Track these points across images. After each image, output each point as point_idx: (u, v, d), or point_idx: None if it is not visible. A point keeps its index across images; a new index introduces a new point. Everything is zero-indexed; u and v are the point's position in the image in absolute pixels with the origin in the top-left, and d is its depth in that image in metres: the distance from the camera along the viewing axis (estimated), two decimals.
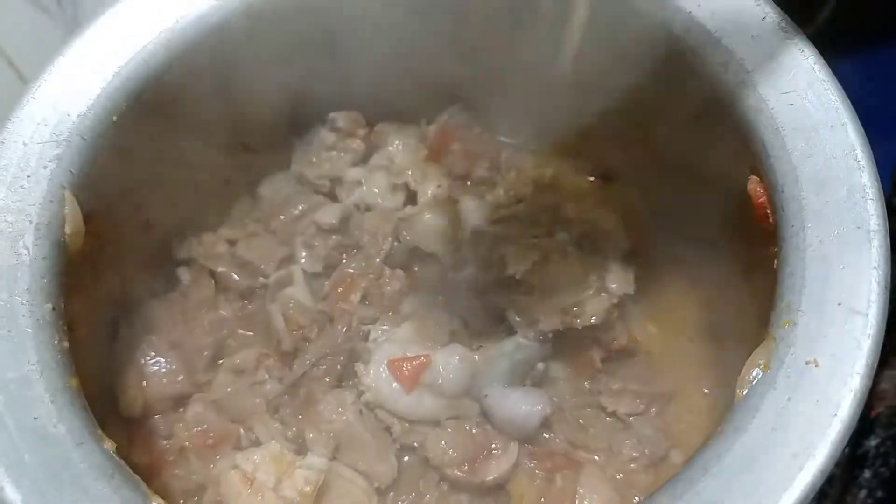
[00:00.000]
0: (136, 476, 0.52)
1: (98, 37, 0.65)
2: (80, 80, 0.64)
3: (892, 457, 0.90)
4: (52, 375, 0.53)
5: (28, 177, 0.59)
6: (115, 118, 0.64)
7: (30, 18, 1.18)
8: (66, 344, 0.56)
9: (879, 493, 0.91)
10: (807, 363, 0.52)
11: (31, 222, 0.58)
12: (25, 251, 0.57)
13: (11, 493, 0.48)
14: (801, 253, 0.56)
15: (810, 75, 0.61)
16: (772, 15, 0.64)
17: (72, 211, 0.60)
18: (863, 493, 0.90)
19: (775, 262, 0.59)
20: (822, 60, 0.61)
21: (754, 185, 0.63)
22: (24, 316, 0.55)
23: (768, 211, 0.61)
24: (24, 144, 0.60)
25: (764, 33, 0.64)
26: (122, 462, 0.52)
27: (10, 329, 0.54)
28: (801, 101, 0.60)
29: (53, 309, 0.56)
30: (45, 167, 0.60)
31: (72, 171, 0.61)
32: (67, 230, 0.60)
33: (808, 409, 0.50)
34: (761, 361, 0.53)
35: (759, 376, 0.53)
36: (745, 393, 0.53)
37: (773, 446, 0.50)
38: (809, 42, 0.62)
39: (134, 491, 0.50)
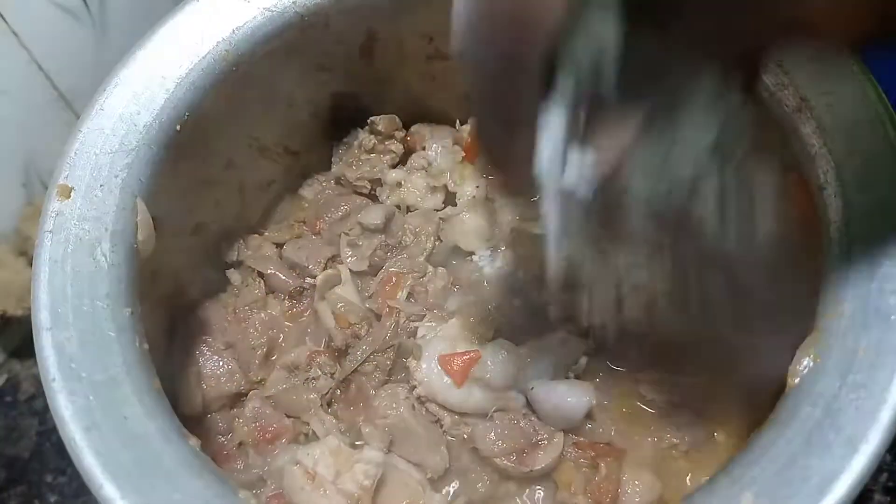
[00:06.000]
0: (223, 471, 0.54)
1: (159, 48, 0.68)
2: (145, 91, 0.66)
3: None
4: (136, 377, 0.56)
5: (101, 186, 0.62)
6: (178, 127, 0.67)
7: (58, 23, 1.19)
8: (146, 346, 0.58)
9: None
10: (855, 352, 0.55)
11: (106, 230, 0.60)
12: (103, 258, 0.59)
13: (110, 490, 0.50)
14: (846, 249, 0.59)
15: (849, 74, 0.64)
16: None
17: (143, 218, 0.62)
18: (884, 476, 0.93)
19: (818, 256, 0.61)
20: (861, 60, 0.63)
21: (794, 184, 0.66)
22: (106, 320, 0.57)
23: (809, 208, 0.64)
24: (96, 155, 0.63)
25: None
26: (209, 459, 0.54)
27: (94, 333, 0.56)
28: (841, 100, 0.63)
29: (132, 313, 0.59)
30: (116, 176, 0.62)
31: (141, 179, 0.63)
32: (140, 237, 0.62)
33: (859, 397, 0.53)
34: (812, 351, 0.56)
35: (811, 365, 0.56)
36: (796, 381, 0.56)
37: (828, 432, 0.52)
38: None
39: (223, 486, 0.53)
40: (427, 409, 0.76)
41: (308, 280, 0.83)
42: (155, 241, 0.66)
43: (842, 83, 0.63)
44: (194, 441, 0.55)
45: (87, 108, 0.64)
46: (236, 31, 0.69)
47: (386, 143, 0.89)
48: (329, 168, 0.91)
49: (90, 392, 0.54)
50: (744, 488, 0.52)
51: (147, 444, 0.53)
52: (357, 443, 0.74)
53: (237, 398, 0.78)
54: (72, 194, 0.61)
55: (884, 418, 0.52)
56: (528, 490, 0.76)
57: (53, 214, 0.60)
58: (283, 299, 0.83)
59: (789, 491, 0.51)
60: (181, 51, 0.68)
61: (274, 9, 0.71)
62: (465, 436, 0.75)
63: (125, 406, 0.54)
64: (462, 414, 0.76)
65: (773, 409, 0.56)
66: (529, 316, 0.81)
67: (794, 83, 0.65)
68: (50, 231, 0.59)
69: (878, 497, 0.93)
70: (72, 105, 1.06)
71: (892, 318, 0.55)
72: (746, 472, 0.53)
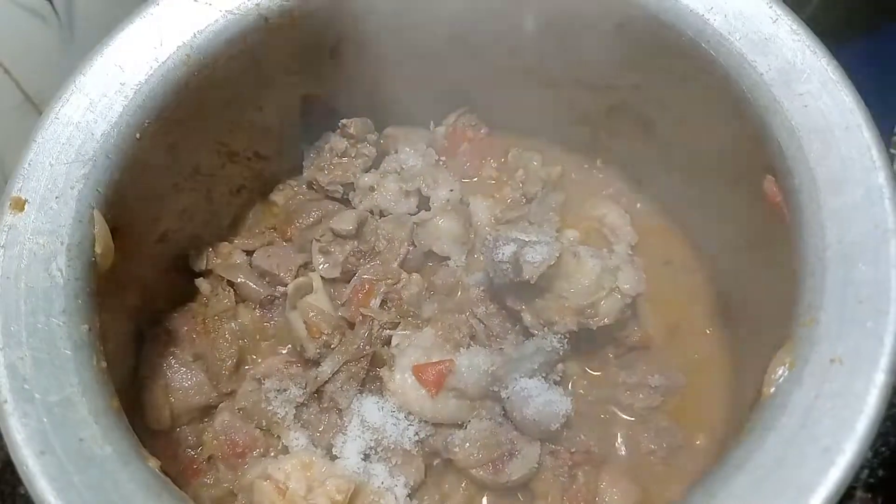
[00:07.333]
0: (184, 493, 0.52)
1: (117, 53, 0.65)
2: (102, 99, 0.64)
3: (892, 436, 0.92)
4: (93, 396, 0.54)
5: (56, 198, 0.60)
6: (137, 135, 0.65)
7: (25, 25, 1.17)
8: (104, 364, 0.56)
9: (881, 473, 0.93)
10: (831, 361, 0.54)
11: (62, 243, 0.58)
12: (59, 273, 0.57)
13: None
14: (821, 253, 0.58)
15: (823, 77, 0.62)
16: (784, 17, 0.65)
17: (101, 230, 0.60)
18: (864, 473, 0.93)
19: (794, 260, 0.60)
20: (836, 62, 0.62)
21: (770, 185, 0.65)
22: (61, 338, 0.55)
23: (785, 210, 0.63)
24: (51, 165, 0.60)
25: (776, 35, 0.65)
26: (169, 480, 0.52)
27: (49, 352, 0.54)
28: (816, 103, 0.62)
29: (90, 329, 0.57)
30: (72, 187, 0.60)
31: (99, 189, 0.61)
32: (98, 249, 0.60)
33: (835, 406, 0.52)
34: (787, 360, 0.55)
35: (786, 374, 0.54)
36: (772, 391, 0.54)
37: (804, 443, 0.51)
38: (822, 44, 0.63)
39: None
40: (402, 420, 0.74)
41: (279, 288, 0.81)
42: (115, 253, 0.64)
43: (816, 84, 0.62)
44: (154, 462, 0.53)
45: (41, 118, 0.62)
46: (197, 35, 0.67)
47: (358, 146, 0.87)
48: (300, 173, 0.89)
49: (44, 414, 0.52)
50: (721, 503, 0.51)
51: (103, 467, 0.51)
52: (330, 456, 0.72)
53: (207, 411, 0.76)
54: (26, 207, 0.59)
55: (860, 428, 0.51)
56: (505, 500, 0.74)
57: (6, 228, 0.58)
58: (254, 308, 0.81)
59: None
60: (140, 56, 0.66)
61: (236, 11, 0.69)
62: (441, 446, 0.74)
63: (81, 428, 0.52)
64: (438, 424, 0.74)
65: (749, 419, 0.55)
66: (505, 322, 0.80)
67: (767, 83, 0.63)
68: (2, 246, 0.57)
69: (859, 493, 0.92)
70: (39, 108, 1.04)
71: (868, 325, 0.54)
72: (722, 487, 0.52)
